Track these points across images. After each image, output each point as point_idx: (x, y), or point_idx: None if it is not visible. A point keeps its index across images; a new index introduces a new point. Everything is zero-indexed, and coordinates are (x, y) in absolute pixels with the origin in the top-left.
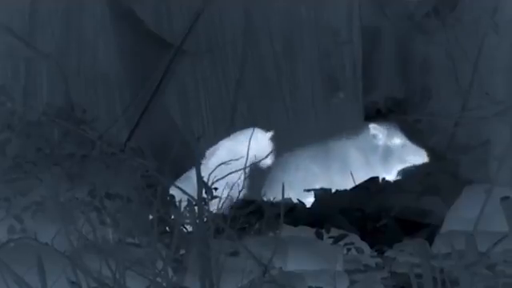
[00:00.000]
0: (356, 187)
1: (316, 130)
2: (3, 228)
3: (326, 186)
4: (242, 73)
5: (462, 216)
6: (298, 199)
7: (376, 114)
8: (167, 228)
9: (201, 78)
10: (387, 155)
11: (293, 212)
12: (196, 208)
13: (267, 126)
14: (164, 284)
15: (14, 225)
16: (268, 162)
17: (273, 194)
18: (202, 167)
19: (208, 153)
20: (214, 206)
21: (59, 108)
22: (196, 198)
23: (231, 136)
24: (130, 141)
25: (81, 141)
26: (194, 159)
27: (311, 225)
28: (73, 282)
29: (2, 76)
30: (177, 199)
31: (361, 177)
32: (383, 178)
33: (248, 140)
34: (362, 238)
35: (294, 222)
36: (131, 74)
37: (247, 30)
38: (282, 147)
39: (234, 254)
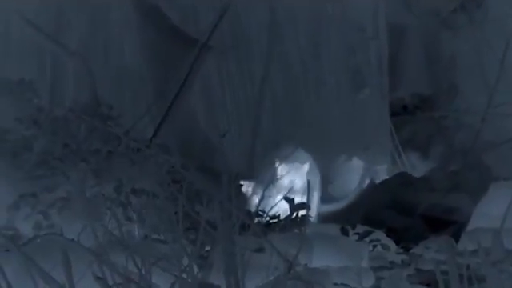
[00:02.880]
0: (383, 183)
1: (342, 127)
2: (30, 224)
3: None
4: (268, 69)
5: (489, 213)
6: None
7: (402, 111)
8: (192, 224)
9: (226, 74)
10: None
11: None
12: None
13: (292, 123)
14: (189, 280)
15: (40, 221)
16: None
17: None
18: None
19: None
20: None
21: (85, 104)
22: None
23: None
24: (156, 137)
25: (107, 137)
26: (219, 155)
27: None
28: (99, 278)
29: (29, 72)
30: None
31: None
32: (410, 174)
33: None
34: (388, 235)
35: (321, 218)
36: (157, 70)
37: (272, 25)
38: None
39: (260, 250)
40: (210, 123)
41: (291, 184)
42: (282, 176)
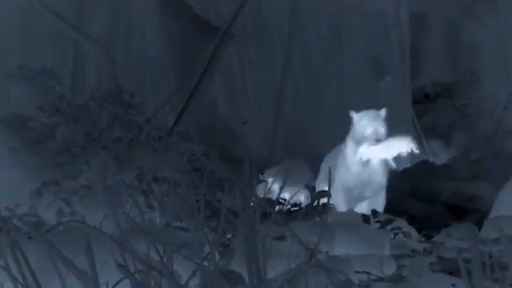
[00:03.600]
0: (405, 170)
1: None
2: (52, 211)
3: None
4: (289, 57)
5: (511, 201)
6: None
7: (424, 99)
8: (214, 212)
9: (247, 63)
10: None
11: None
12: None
13: (314, 111)
14: (211, 268)
15: (62, 208)
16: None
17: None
18: None
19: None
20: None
21: (107, 92)
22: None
23: None
24: (177, 125)
25: (128, 125)
26: (240, 143)
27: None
28: (120, 265)
29: (51, 61)
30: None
31: None
32: (432, 162)
33: None
34: (410, 223)
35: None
36: (178, 58)
37: (294, 13)
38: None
39: (281, 238)
40: (231, 111)
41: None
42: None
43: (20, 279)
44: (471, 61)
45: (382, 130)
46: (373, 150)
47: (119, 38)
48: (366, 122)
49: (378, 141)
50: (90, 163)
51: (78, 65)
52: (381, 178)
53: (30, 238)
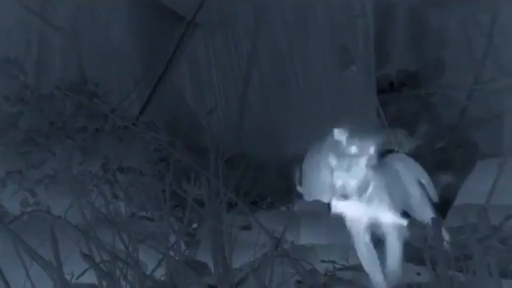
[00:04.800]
0: None
1: (328, 104)
2: (16, 201)
3: None
4: (254, 46)
5: (476, 190)
6: None
7: (389, 88)
8: (179, 202)
9: (213, 52)
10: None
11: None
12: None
13: (279, 100)
14: (176, 257)
15: (27, 198)
16: None
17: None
18: None
19: None
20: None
21: (72, 81)
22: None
23: None
24: (143, 115)
25: (93, 114)
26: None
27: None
28: (86, 255)
29: (15, 49)
30: None
31: None
32: (397, 151)
33: None
34: None
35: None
36: (143, 47)
37: (259, 2)
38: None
39: (247, 227)
40: (196, 101)
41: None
42: None
43: None
44: (436, 50)
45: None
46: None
47: (84, 27)
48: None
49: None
50: (55, 152)
51: (43, 54)
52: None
53: None
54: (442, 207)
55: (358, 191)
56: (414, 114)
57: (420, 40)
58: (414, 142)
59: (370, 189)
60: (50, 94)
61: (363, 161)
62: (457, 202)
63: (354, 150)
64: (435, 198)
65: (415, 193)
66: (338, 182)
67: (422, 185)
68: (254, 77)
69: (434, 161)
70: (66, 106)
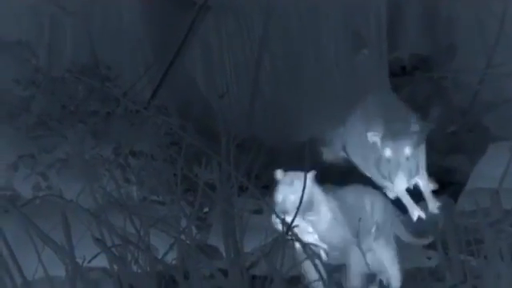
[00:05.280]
0: None
1: (340, 88)
2: (29, 185)
3: None
4: (266, 30)
5: (487, 174)
6: None
7: (401, 72)
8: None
9: (225, 36)
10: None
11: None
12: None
13: (291, 84)
14: (188, 241)
15: (39, 182)
16: None
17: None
18: None
19: None
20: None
21: (84, 65)
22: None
23: None
24: (154, 98)
25: (105, 98)
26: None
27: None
28: (97, 239)
29: (27, 33)
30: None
31: None
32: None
33: None
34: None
35: (318, 179)
36: (155, 31)
37: None
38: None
39: (258, 211)
40: (208, 84)
41: None
42: None
43: None
44: (448, 33)
45: None
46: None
47: (96, 11)
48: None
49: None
50: (67, 136)
51: (55, 38)
52: None
53: (6, 211)
54: (454, 191)
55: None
56: (426, 98)
57: (432, 24)
58: (427, 127)
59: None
60: (62, 78)
61: None
62: (468, 186)
63: (388, 152)
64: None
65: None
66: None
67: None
68: (266, 60)
69: (445, 145)
70: (78, 89)
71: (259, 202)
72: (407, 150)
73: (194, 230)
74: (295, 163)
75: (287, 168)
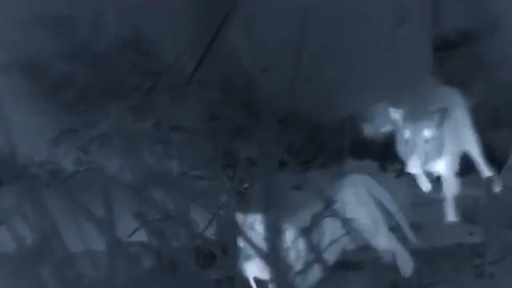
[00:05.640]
0: None
1: (383, 63)
2: (70, 159)
3: None
4: (309, 4)
5: None
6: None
7: (444, 46)
8: (231, 161)
9: (268, 9)
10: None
11: (357, 145)
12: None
13: (332, 58)
14: (227, 217)
15: (80, 156)
16: None
17: None
18: None
19: None
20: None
21: (126, 40)
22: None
23: None
24: (197, 73)
25: (147, 73)
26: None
27: (376, 158)
28: (138, 214)
29: (70, 7)
30: None
31: None
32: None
33: None
34: None
35: (359, 155)
36: (198, 4)
37: None
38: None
39: (298, 187)
40: (251, 59)
41: None
42: None
43: (38, 227)
44: (492, 8)
45: None
46: None
47: None
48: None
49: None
50: (108, 111)
51: (98, 11)
52: None
53: (48, 186)
54: (496, 167)
55: None
56: (469, 73)
57: None
58: (469, 102)
59: None
60: (104, 52)
61: None
62: (510, 162)
63: (407, 134)
64: (399, 218)
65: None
66: None
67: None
68: (308, 35)
69: (487, 120)
70: (120, 64)
71: (299, 177)
72: (426, 133)
73: (234, 206)
74: (336, 139)
75: (327, 144)
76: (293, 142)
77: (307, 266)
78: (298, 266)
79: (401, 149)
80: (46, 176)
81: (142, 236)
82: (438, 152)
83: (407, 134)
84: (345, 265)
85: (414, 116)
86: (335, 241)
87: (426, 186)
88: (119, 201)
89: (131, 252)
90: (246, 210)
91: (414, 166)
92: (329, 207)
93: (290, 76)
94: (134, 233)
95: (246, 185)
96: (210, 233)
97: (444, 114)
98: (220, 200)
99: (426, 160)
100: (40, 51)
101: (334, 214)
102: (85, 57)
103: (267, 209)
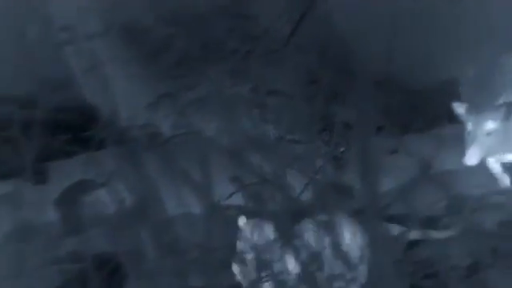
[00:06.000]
0: None
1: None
2: (168, 123)
3: None
4: None
5: None
6: None
7: None
8: (328, 125)
9: None
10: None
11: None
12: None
13: (428, 23)
14: (323, 181)
15: (178, 120)
16: None
17: None
18: None
19: None
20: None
21: (225, 3)
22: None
23: None
24: (294, 37)
25: (245, 37)
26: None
27: None
28: (234, 178)
29: None
30: None
31: None
32: None
33: None
34: None
35: (455, 119)
36: None
37: None
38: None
39: (394, 151)
40: (347, 23)
41: None
42: None
43: (137, 190)
44: None
45: None
46: None
47: None
48: None
49: None
50: (207, 75)
51: None
52: None
53: (147, 149)
54: None
55: None
56: None
57: None
58: None
59: None
60: (202, 16)
61: None
62: None
63: (469, 126)
64: None
65: None
66: None
67: None
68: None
69: None
70: (219, 28)
71: (396, 141)
72: (490, 125)
73: (330, 170)
74: (433, 103)
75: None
76: (389, 105)
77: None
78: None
79: (464, 139)
80: (145, 139)
81: (238, 200)
82: (501, 147)
83: (469, 126)
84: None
85: (478, 108)
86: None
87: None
88: (216, 164)
89: (228, 215)
90: (342, 174)
91: (470, 159)
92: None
93: (386, 39)
94: (230, 196)
95: (342, 149)
96: (306, 197)
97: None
98: (316, 164)
99: (486, 154)
100: (140, 15)
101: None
102: (184, 21)
103: (363, 173)
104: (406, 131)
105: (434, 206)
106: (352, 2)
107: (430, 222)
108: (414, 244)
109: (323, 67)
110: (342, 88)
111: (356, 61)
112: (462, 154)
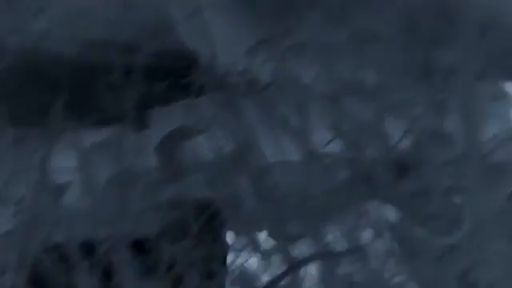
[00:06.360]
0: None
1: None
2: (267, 69)
3: None
4: None
5: None
6: None
7: None
8: (428, 70)
9: None
10: None
11: None
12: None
13: None
14: (423, 128)
15: (277, 66)
16: None
17: None
18: None
19: None
20: None
21: None
22: None
23: None
24: None
25: None
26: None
27: None
28: (333, 124)
29: None
30: None
31: None
32: None
33: None
34: None
35: None
36: None
37: None
38: None
39: (497, 98)
40: None
41: None
42: None
43: (236, 136)
44: None
45: None
46: None
47: None
48: None
49: None
50: (305, 21)
51: None
52: None
53: (245, 95)
54: None
55: None
56: None
57: None
58: None
59: None
60: None
61: None
62: None
63: None
64: None
65: None
66: None
67: None
68: None
69: None
70: None
71: (499, 87)
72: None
73: (430, 116)
74: None
75: None
76: (492, 51)
77: None
78: None
79: None
80: (243, 86)
81: (336, 147)
82: None
83: None
84: None
85: None
86: None
87: None
88: (314, 111)
89: (326, 162)
90: (442, 121)
91: None
92: None
93: None
94: (328, 143)
95: (443, 95)
96: (405, 145)
97: None
98: (415, 111)
99: None
100: None
101: None
102: None
103: (465, 119)
104: (509, 78)
105: None
106: None
107: None
108: None
109: (423, 12)
110: (443, 33)
111: (458, 4)
112: None
